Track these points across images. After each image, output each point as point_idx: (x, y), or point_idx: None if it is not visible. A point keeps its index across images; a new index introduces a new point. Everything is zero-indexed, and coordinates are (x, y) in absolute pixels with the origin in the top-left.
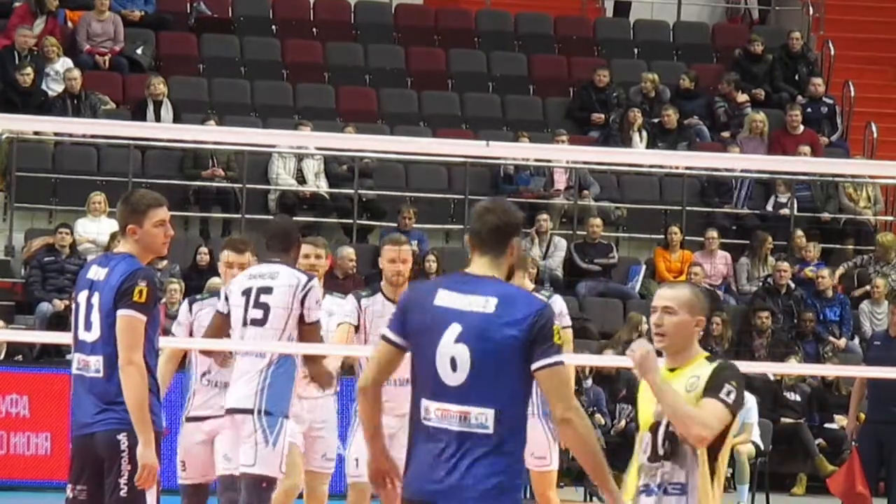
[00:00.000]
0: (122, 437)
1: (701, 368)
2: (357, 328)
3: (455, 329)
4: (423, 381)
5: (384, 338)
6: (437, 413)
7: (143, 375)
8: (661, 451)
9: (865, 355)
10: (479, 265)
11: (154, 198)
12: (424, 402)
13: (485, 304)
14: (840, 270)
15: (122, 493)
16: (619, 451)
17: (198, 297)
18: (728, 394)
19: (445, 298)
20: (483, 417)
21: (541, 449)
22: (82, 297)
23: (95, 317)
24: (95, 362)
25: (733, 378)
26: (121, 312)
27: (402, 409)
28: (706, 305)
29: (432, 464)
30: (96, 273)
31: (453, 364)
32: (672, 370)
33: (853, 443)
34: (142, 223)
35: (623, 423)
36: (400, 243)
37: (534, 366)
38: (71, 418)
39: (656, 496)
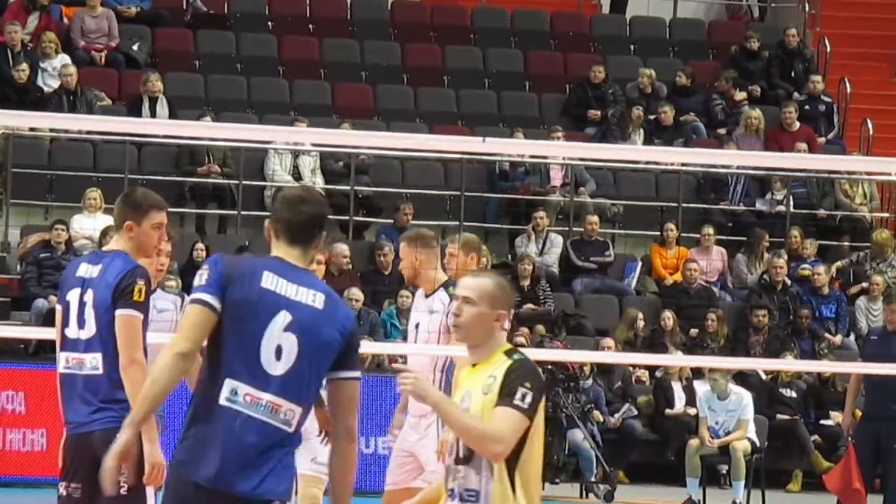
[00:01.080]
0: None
1: (498, 367)
2: None
3: (285, 317)
4: (235, 361)
5: (204, 303)
6: (246, 398)
7: (146, 373)
8: (460, 455)
9: (862, 351)
10: (292, 255)
11: (157, 200)
12: (231, 383)
13: (314, 299)
14: (838, 265)
15: (122, 491)
16: (615, 447)
17: None
18: (523, 398)
19: (272, 282)
20: (291, 414)
21: (322, 454)
22: (73, 294)
23: (90, 314)
24: (92, 360)
25: (527, 379)
26: (122, 312)
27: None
28: (510, 300)
29: (226, 449)
30: (88, 270)
31: (278, 352)
32: (474, 366)
33: (849, 439)
34: (140, 222)
35: (620, 420)
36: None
37: (343, 374)
38: (64, 417)
39: (453, 502)
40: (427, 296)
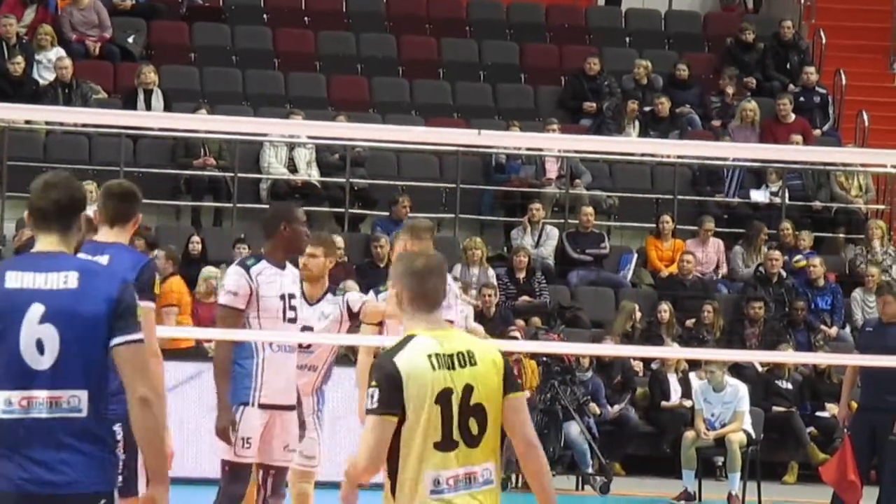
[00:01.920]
0: (118, 428)
1: None
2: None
3: (37, 309)
4: (1, 372)
5: None
6: (22, 403)
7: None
8: None
9: (857, 342)
10: (47, 243)
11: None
12: (3, 394)
13: (66, 280)
14: (849, 257)
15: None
16: (612, 439)
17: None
18: (370, 397)
19: (17, 280)
20: (76, 400)
21: (310, 448)
22: None
23: None
24: None
25: (372, 378)
26: (144, 304)
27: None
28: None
29: (23, 457)
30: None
31: (40, 347)
32: None
33: (845, 431)
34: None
35: (618, 412)
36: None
37: (114, 341)
38: None
39: None
40: None
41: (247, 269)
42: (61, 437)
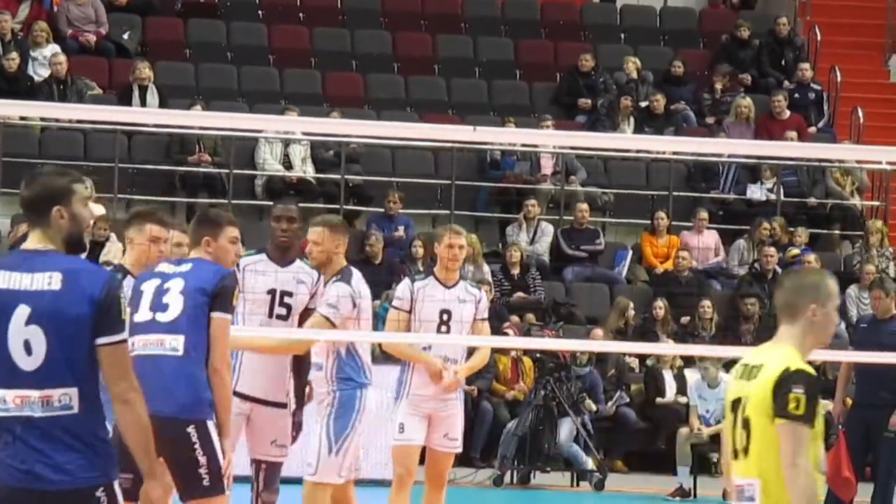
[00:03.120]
0: (192, 430)
1: None
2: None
3: (24, 311)
4: None
5: None
6: (15, 401)
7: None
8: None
9: (851, 338)
10: (35, 239)
11: (230, 217)
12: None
13: (50, 281)
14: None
15: (205, 482)
16: (610, 435)
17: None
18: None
19: (5, 280)
20: (67, 398)
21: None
22: (149, 285)
23: (176, 300)
24: (173, 341)
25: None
26: (218, 315)
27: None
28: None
29: (19, 453)
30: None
31: (27, 347)
32: None
33: (840, 427)
34: (217, 237)
35: (614, 408)
36: (460, 232)
37: (99, 341)
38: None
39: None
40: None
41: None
42: (55, 434)
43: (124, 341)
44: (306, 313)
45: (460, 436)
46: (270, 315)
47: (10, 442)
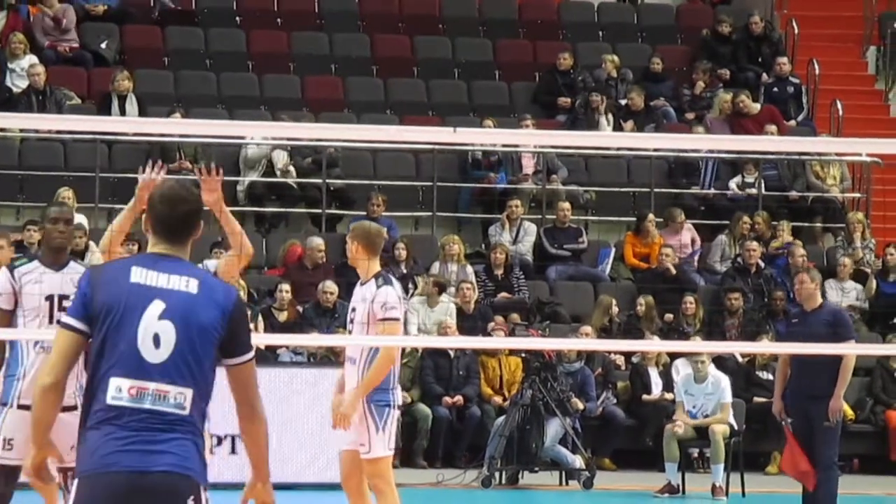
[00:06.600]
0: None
1: None
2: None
3: (158, 305)
4: (116, 359)
5: (69, 326)
6: (132, 391)
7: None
8: None
9: (782, 333)
10: (166, 248)
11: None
12: (115, 381)
13: (187, 284)
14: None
15: None
16: (597, 433)
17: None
18: None
19: (141, 276)
20: (182, 397)
21: (362, 437)
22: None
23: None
24: None
25: None
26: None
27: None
28: None
29: (126, 441)
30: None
31: (156, 341)
32: None
33: (783, 423)
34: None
35: (601, 408)
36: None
37: (232, 361)
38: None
39: None
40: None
41: (11, 269)
42: (163, 430)
43: (248, 361)
44: None
45: (366, 441)
46: (51, 321)
47: (120, 430)
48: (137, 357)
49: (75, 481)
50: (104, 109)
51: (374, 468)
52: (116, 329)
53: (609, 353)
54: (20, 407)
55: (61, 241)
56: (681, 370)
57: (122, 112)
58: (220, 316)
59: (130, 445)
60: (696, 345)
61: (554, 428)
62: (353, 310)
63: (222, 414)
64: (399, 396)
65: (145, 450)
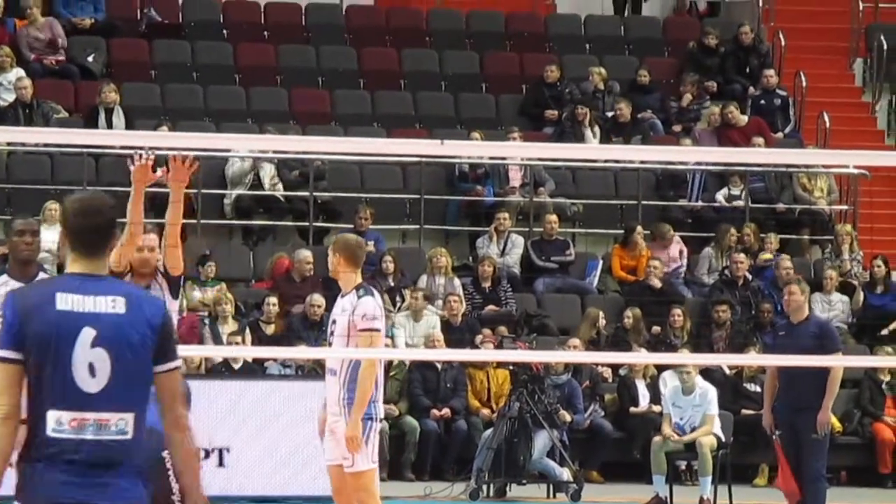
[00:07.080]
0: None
1: None
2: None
3: (89, 333)
4: (52, 391)
5: (3, 359)
6: (73, 423)
7: None
8: None
9: (769, 346)
10: (87, 265)
11: None
12: (55, 414)
13: (114, 305)
14: (815, 259)
15: None
16: (585, 446)
17: None
18: None
19: (68, 302)
20: (123, 423)
21: (345, 451)
22: None
23: None
24: None
25: None
26: None
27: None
28: None
29: (69, 474)
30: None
31: (91, 370)
32: None
33: (773, 436)
34: None
35: (588, 421)
36: None
37: (159, 368)
38: None
39: None
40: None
41: None
42: (107, 459)
43: (178, 367)
44: None
45: (349, 455)
46: None
47: (64, 464)
48: (74, 388)
49: None
50: (91, 123)
51: (358, 482)
52: (51, 362)
53: (597, 365)
54: None
55: (28, 253)
56: (668, 382)
57: (109, 125)
58: (150, 332)
59: (75, 478)
60: (684, 357)
61: (542, 440)
62: (334, 322)
63: (210, 428)
64: (381, 409)
65: (91, 482)
